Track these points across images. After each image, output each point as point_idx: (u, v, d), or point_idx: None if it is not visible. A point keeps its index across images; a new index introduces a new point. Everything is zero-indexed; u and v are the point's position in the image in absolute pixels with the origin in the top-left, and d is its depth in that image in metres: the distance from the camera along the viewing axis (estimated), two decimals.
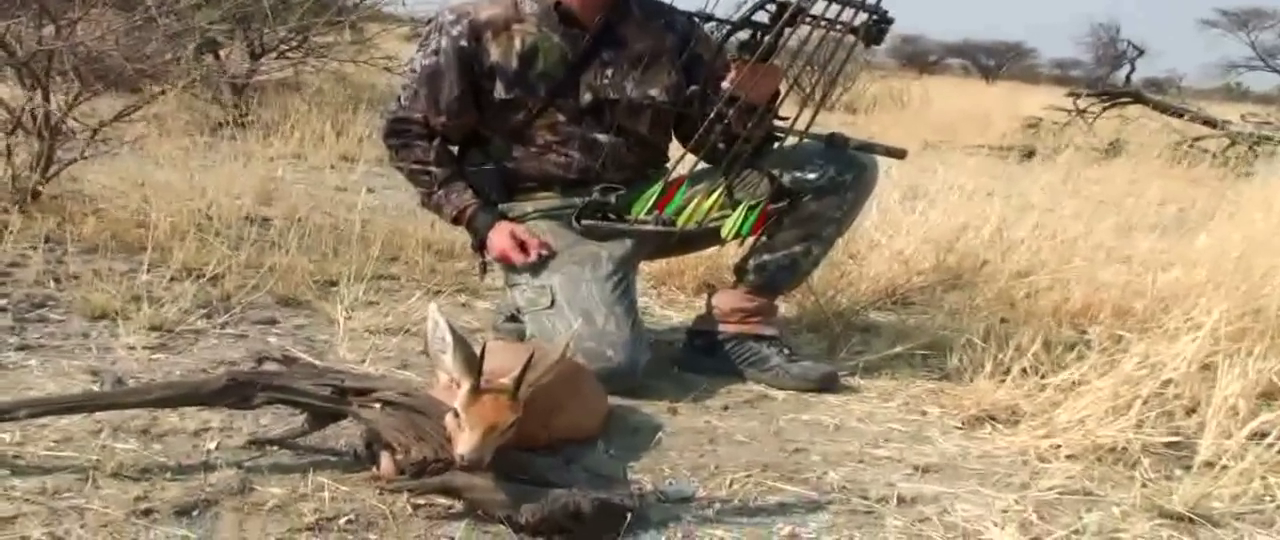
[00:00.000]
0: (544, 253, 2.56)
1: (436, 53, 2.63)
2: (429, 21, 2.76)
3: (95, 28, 3.70)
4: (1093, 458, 2.25)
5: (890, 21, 2.27)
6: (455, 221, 2.70)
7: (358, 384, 1.89)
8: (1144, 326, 3.02)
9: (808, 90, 2.45)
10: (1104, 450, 2.26)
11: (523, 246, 2.58)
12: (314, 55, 7.16)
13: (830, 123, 9.63)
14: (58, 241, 3.16)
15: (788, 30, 2.30)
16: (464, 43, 2.61)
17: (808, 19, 2.28)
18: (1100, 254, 4.07)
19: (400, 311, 2.83)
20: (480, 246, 2.69)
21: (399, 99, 2.70)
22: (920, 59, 39.59)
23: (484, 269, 2.78)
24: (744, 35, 2.36)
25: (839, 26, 2.30)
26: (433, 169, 2.66)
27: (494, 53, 2.61)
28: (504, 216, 2.66)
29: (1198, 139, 9.56)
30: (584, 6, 2.63)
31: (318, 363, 2.34)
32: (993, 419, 2.48)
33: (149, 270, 2.93)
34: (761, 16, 2.34)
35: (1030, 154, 8.89)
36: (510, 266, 2.61)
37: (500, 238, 2.61)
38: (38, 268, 2.92)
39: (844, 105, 12.06)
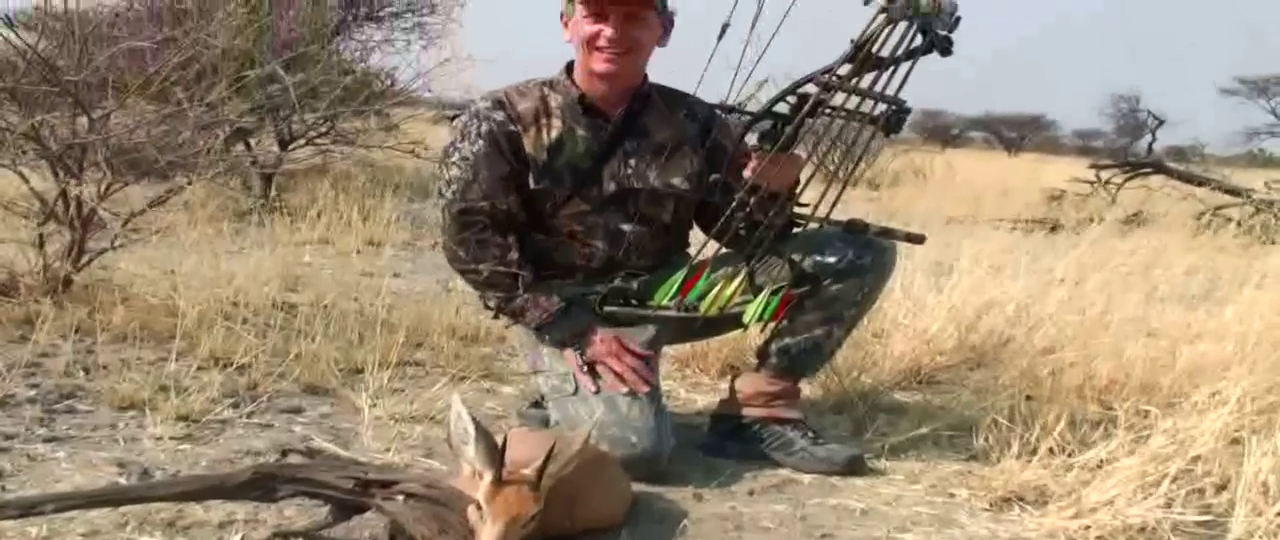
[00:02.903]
0: (643, 388, 2.49)
1: (482, 137, 2.61)
2: (459, 113, 2.76)
3: (128, 117, 3.78)
4: (1123, 538, 2.22)
5: (908, 111, 2.30)
6: (539, 327, 2.61)
7: (381, 476, 1.90)
8: (1171, 401, 2.99)
9: (831, 170, 2.48)
10: (1134, 530, 2.25)
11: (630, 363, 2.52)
12: (342, 142, 7.26)
13: (852, 198, 9.63)
14: (88, 331, 3.19)
15: (808, 121, 2.33)
16: (511, 127, 2.62)
17: (827, 110, 2.30)
18: (1126, 328, 4.05)
19: (425, 398, 2.84)
20: (561, 343, 2.61)
21: (444, 194, 2.64)
22: (943, 133, 39.69)
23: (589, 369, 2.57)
24: (765, 125, 2.39)
25: (858, 117, 2.33)
26: (520, 272, 2.58)
27: (527, 144, 2.63)
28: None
29: (1221, 207, 9.53)
30: (607, 98, 2.67)
31: (342, 454, 2.35)
32: (1021, 500, 2.46)
33: (177, 359, 2.95)
34: (782, 107, 2.37)
35: (1055, 227, 8.88)
36: (536, 350, 2.62)
37: (612, 347, 2.54)
38: (67, 358, 2.95)
39: (866, 181, 12.08)
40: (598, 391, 2.48)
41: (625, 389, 2.47)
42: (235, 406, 2.73)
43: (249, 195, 6.30)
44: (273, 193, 6.47)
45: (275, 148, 6.81)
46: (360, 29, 9.06)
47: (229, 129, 4.61)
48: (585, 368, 2.53)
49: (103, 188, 3.64)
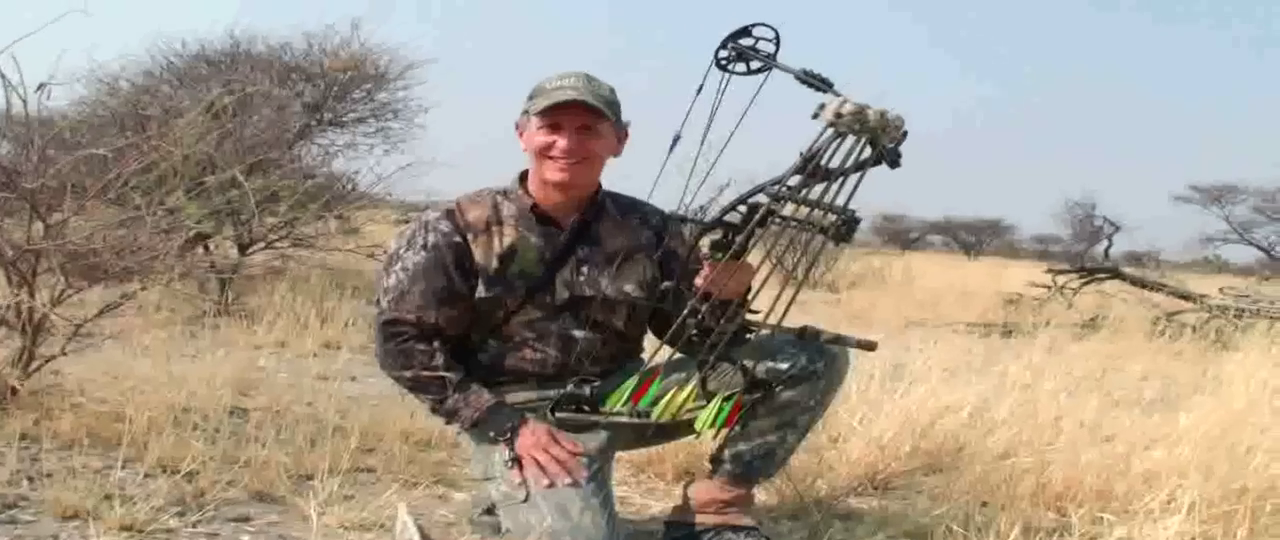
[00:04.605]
0: (565, 479, 2.48)
1: (425, 248, 2.64)
2: (410, 219, 2.79)
3: (85, 221, 3.76)
4: None
5: (857, 221, 2.32)
6: (474, 425, 2.61)
7: None
8: (1125, 508, 3.00)
9: (787, 271, 2.50)
10: None
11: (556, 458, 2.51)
12: (301, 245, 7.25)
13: (813, 301, 9.77)
14: (34, 438, 3.14)
15: (759, 230, 2.36)
16: (457, 238, 2.64)
17: (778, 220, 2.34)
18: (1081, 433, 4.07)
19: (376, 506, 2.80)
20: (492, 439, 2.60)
21: (381, 303, 2.67)
22: (902, 236, 40.27)
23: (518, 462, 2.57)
24: (716, 235, 2.42)
25: (809, 227, 2.36)
26: (445, 374, 2.60)
27: (477, 253, 2.65)
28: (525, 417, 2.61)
29: (1175, 313, 9.66)
30: (560, 208, 2.70)
31: None
32: None
33: (124, 466, 2.90)
34: (734, 217, 2.41)
35: (1010, 331, 8.96)
36: (488, 456, 2.60)
37: (541, 438, 2.54)
38: (11, 467, 2.89)
39: (826, 285, 12.18)
40: (522, 483, 2.47)
41: (547, 482, 2.46)
42: (181, 515, 2.69)
43: (205, 298, 6.26)
44: (229, 296, 6.43)
45: (234, 251, 6.80)
46: (323, 134, 9.14)
47: (187, 234, 4.60)
48: (511, 462, 2.52)
49: (57, 294, 3.61)
